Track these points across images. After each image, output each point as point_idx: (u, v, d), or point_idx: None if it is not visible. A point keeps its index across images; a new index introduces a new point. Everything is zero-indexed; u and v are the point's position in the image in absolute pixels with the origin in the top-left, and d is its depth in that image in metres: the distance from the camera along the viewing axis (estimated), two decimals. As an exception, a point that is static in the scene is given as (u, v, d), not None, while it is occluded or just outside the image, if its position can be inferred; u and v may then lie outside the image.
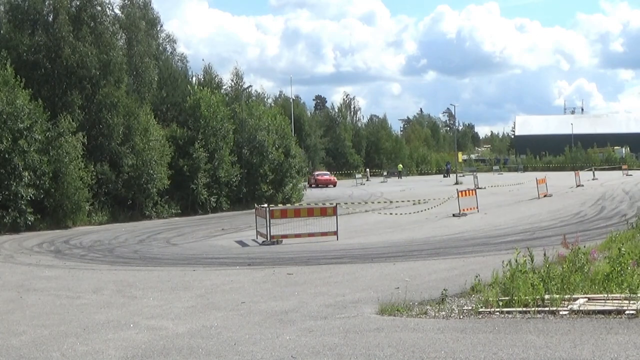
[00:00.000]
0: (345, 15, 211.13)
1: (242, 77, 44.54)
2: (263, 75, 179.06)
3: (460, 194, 26.99)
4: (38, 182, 26.18)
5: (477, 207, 27.49)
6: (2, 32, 30.37)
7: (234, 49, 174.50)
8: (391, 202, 35.07)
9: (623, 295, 8.68)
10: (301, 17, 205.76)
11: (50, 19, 30.85)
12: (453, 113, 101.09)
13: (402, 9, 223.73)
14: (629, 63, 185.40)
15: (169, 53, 43.02)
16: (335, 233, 20.01)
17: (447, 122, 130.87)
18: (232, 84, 44.30)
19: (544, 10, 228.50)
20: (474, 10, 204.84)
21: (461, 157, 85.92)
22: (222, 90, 41.48)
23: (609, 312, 8.18)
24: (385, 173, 72.09)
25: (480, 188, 40.83)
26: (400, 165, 79.18)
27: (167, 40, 43.48)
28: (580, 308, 8.38)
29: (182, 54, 45.69)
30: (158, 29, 42.06)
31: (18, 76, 26.62)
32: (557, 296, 8.75)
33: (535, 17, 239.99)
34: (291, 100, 72.25)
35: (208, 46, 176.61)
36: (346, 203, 33.16)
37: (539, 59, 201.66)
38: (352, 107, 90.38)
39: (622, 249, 9.96)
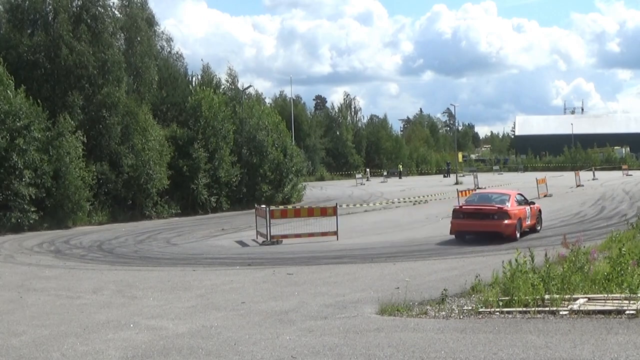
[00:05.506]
0: (341, 15, 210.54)
1: (236, 78, 44.45)
2: (260, 75, 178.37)
3: (460, 194, 26.99)
4: (39, 181, 26.16)
5: (477, 207, 27.44)
6: (2, 32, 30.34)
7: (231, 48, 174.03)
8: (391, 202, 35.07)
9: (623, 295, 8.68)
10: (297, 17, 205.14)
11: (50, 19, 30.83)
12: (453, 113, 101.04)
13: (398, 8, 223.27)
14: (627, 63, 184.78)
15: (166, 52, 42.95)
16: (335, 233, 20.00)
17: (447, 122, 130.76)
18: (228, 84, 44.23)
19: (542, 10, 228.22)
20: (470, 10, 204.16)
21: (461, 157, 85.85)
22: (220, 90, 41.42)
23: (609, 312, 8.18)
24: (385, 173, 72.06)
25: (481, 188, 40.80)
26: (400, 165, 79.18)
27: (163, 38, 43.41)
28: (580, 308, 8.38)
29: (178, 51, 45.55)
30: (156, 28, 41.99)
31: (12, 75, 26.53)
32: (557, 296, 8.76)
33: (533, 17, 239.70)
34: (291, 100, 72.14)
35: (205, 46, 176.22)
36: (347, 205, 33.09)
37: (536, 59, 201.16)
38: (352, 107, 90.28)
39: (622, 249, 9.98)
